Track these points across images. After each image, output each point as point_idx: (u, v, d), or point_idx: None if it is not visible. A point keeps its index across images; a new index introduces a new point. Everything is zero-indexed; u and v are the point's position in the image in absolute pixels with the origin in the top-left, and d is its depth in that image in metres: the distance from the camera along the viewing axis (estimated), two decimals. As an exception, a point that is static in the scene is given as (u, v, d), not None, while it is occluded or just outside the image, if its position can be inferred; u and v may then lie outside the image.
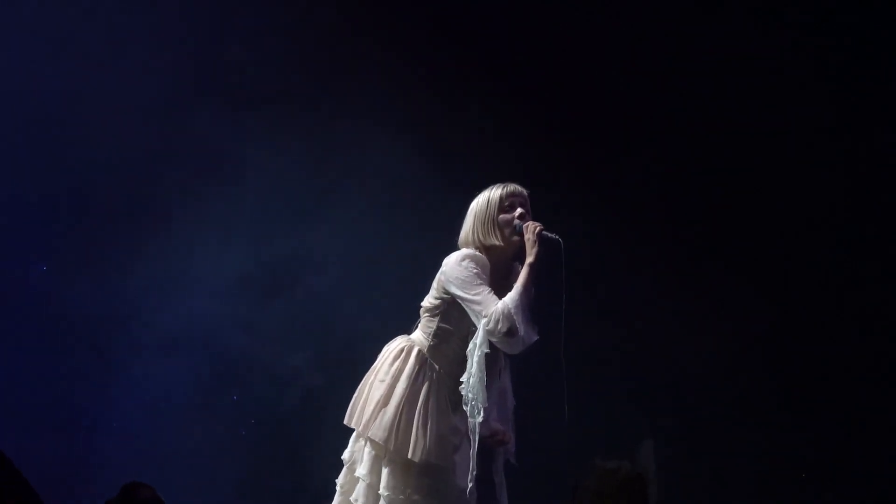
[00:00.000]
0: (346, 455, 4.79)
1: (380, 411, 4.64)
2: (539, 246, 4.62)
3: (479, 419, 4.56)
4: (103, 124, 7.12)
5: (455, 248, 4.79)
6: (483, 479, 4.75)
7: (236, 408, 7.36)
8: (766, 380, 7.01)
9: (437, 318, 4.73)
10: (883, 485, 6.77)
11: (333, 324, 7.11)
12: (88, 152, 7.14)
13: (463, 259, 4.63)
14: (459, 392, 4.62)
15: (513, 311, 4.50)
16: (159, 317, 7.19)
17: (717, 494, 6.87)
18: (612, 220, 7.12)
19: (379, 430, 4.61)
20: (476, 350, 4.54)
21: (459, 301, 4.62)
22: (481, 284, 4.58)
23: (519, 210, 4.72)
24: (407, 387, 4.65)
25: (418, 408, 4.64)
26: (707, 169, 7.12)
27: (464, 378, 4.57)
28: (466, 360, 4.63)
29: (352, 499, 4.68)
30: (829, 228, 7.00)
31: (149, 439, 7.10)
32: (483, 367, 4.54)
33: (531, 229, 4.65)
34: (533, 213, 4.77)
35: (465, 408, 4.58)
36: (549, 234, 4.65)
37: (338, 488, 4.77)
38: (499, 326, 4.49)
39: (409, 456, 4.57)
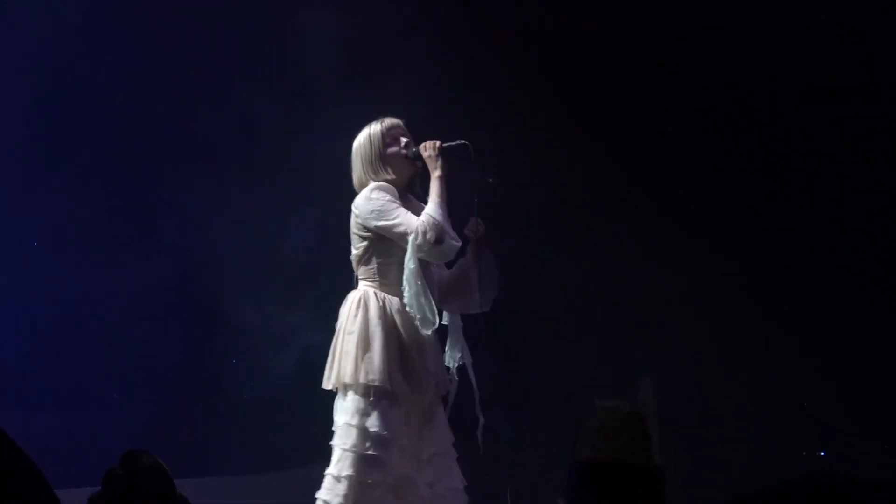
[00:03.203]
0: (336, 415, 4.72)
1: (364, 357, 4.65)
2: (443, 159, 4.74)
3: (432, 329, 4.64)
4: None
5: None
6: None
7: (236, 372, 7.38)
8: (768, 312, 7.04)
9: (372, 259, 4.77)
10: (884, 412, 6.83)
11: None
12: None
13: (371, 192, 4.73)
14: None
15: (437, 218, 4.62)
16: (155, 284, 7.20)
17: (721, 428, 6.90)
18: (609, 156, 7.13)
19: (372, 374, 4.62)
20: (409, 265, 4.61)
21: (382, 232, 4.69)
22: (397, 207, 4.69)
23: (403, 140, 4.84)
24: (382, 328, 4.67)
25: (396, 345, 4.69)
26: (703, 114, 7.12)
27: (405, 299, 4.63)
28: None
29: (348, 447, 4.62)
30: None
31: (149, 407, 7.12)
32: (418, 279, 4.61)
33: (430, 146, 4.76)
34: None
35: (417, 323, 4.63)
36: (453, 143, 4.78)
37: (341, 448, 4.67)
38: (427, 237, 4.59)
39: (399, 390, 4.63)
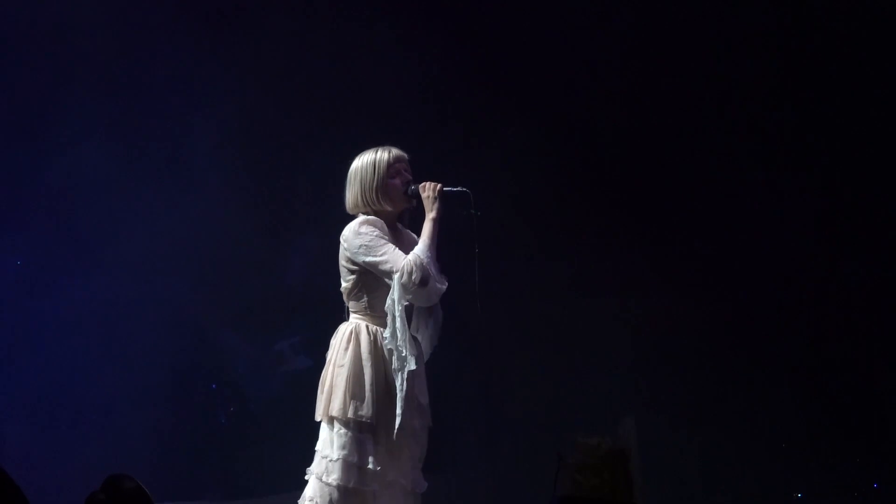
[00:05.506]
0: (320, 445, 4.75)
1: (353, 392, 4.66)
2: (440, 202, 4.77)
3: (410, 367, 4.63)
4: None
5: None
6: None
7: (215, 396, 7.37)
8: (747, 352, 7.08)
9: (363, 293, 4.78)
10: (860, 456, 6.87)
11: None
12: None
13: (360, 226, 4.73)
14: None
15: (424, 260, 4.65)
16: (135, 303, 7.18)
17: (700, 469, 6.92)
18: (596, 191, 7.15)
19: (361, 410, 4.64)
20: (396, 305, 4.63)
21: (369, 267, 4.71)
22: (385, 244, 4.70)
23: (407, 176, 4.84)
24: (371, 363, 4.69)
25: (387, 380, 4.69)
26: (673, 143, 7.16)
27: (386, 333, 4.66)
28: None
29: (330, 480, 4.65)
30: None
31: (130, 430, 7.10)
32: (404, 319, 4.64)
33: (431, 188, 4.79)
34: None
35: (393, 361, 4.65)
36: (454, 189, 4.80)
37: (314, 476, 4.72)
38: (413, 277, 4.61)
39: (395, 428, 4.62)
